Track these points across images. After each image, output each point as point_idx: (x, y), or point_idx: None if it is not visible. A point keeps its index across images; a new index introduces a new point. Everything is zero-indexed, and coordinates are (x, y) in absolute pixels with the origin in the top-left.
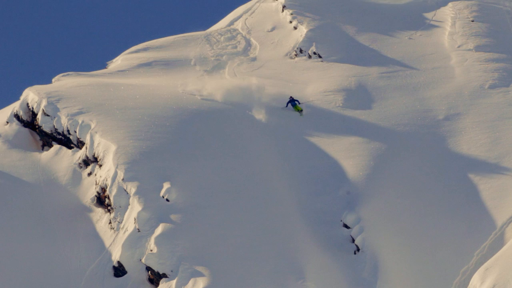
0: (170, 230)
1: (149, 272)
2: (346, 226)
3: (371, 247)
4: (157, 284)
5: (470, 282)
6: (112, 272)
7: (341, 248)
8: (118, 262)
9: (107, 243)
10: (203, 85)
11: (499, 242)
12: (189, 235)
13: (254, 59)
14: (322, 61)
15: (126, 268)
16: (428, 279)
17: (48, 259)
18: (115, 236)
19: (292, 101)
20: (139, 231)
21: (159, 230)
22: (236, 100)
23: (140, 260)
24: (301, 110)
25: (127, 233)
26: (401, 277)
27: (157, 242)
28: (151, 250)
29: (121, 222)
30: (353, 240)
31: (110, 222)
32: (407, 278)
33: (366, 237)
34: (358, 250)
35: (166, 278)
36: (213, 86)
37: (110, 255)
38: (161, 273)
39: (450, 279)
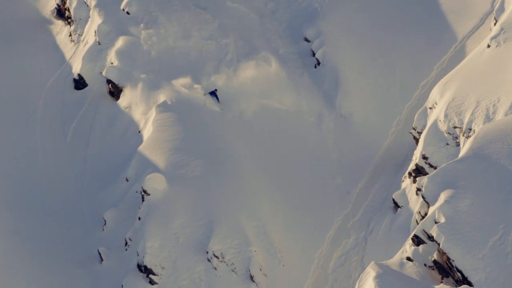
0: (130, 43)
1: (110, 85)
2: (306, 40)
3: (331, 60)
4: (118, 97)
5: (430, 95)
6: (72, 84)
7: (302, 62)
8: (79, 74)
9: (67, 55)
10: None
11: (459, 56)
12: (149, 48)
13: None
14: None
15: (87, 80)
16: (388, 92)
17: (8, 72)
18: (76, 48)
19: (213, 94)
20: (99, 44)
21: (119, 43)
22: None
23: (101, 73)
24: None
25: (87, 46)
26: (362, 89)
27: (118, 55)
28: (112, 63)
29: (82, 34)
30: (314, 54)
31: (70, 35)
32: (368, 91)
33: (326, 51)
34: (319, 63)
35: (127, 91)
36: None
37: (70, 67)
38: (121, 85)
39: (410, 93)
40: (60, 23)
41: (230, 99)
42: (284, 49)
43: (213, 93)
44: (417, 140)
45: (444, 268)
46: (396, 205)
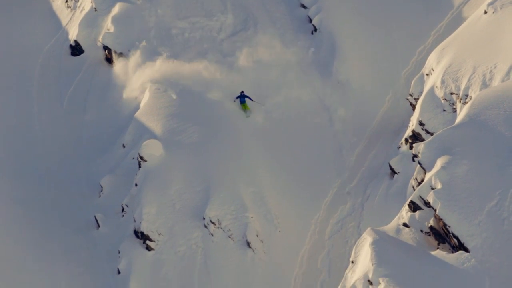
0: (127, 10)
1: (106, 51)
2: (303, 6)
3: (328, 27)
4: (114, 64)
5: (427, 62)
6: (69, 51)
7: (298, 28)
8: (75, 41)
9: (63, 22)
10: None
11: (456, 22)
12: (146, 15)
13: None
14: None
15: (83, 47)
16: (384, 59)
17: (4, 38)
18: (72, 15)
19: (242, 97)
20: (96, 10)
21: (116, 9)
22: None
23: (97, 39)
24: (248, 110)
25: (84, 12)
26: (358, 56)
27: (114, 21)
28: (108, 30)
29: (78, 1)
30: (311, 20)
31: (66, 1)
32: (364, 57)
33: (323, 17)
34: (316, 30)
35: (123, 57)
36: None
37: (67, 34)
38: (118, 52)
39: (407, 59)
40: None
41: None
42: (283, 20)
43: (242, 96)
44: (413, 107)
45: (441, 234)
46: (393, 171)
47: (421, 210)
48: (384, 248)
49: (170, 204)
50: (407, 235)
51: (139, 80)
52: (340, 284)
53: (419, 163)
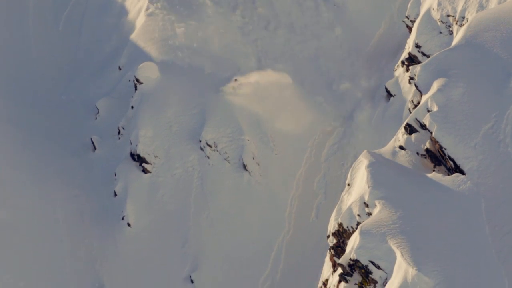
0: None
1: None
2: None
3: None
4: None
5: None
6: None
7: None
8: None
9: None
10: None
11: None
12: None
13: None
14: None
15: None
16: None
17: None
18: None
19: None
20: None
21: None
22: None
23: None
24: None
25: None
26: None
27: None
28: None
29: None
30: None
31: None
32: None
33: None
34: None
35: None
36: None
37: None
38: None
39: None
40: None
41: None
42: None
43: None
44: (410, 29)
45: (437, 156)
46: (389, 94)
47: (417, 132)
48: (380, 170)
49: (167, 126)
50: (403, 157)
51: (135, 2)
52: (336, 207)
53: (416, 86)
